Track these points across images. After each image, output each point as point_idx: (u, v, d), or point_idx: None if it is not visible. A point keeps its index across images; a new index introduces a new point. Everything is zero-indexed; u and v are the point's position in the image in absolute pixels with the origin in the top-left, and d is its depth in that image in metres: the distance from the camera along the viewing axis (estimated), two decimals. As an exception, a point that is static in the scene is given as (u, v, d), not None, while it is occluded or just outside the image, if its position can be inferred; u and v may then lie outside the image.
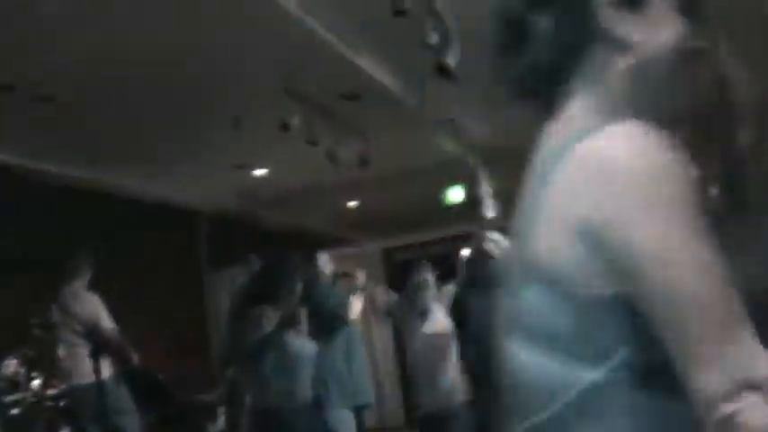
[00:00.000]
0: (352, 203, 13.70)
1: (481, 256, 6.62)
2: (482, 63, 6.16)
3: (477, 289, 6.44)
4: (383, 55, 7.38)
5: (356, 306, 7.86)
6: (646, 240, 1.27)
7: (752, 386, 1.22)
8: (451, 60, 6.19)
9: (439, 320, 7.41)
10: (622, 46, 1.47)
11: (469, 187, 12.28)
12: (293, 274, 6.34)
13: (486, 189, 13.19)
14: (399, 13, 5.33)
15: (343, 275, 8.23)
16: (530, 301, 1.42)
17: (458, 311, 7.18)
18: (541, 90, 1.57)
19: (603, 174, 1.32)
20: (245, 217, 12.40)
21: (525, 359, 1.43)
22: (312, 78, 7.36)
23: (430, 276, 7.53)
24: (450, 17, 5.99)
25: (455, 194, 12.09)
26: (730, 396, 1.22)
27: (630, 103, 1.46)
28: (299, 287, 6.32)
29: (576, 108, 1.51)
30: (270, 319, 6.07)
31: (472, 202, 11.98)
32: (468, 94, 8.64)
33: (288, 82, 7.35)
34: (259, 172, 10.92)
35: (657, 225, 1.27)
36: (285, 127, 7.59)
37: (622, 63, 1.48)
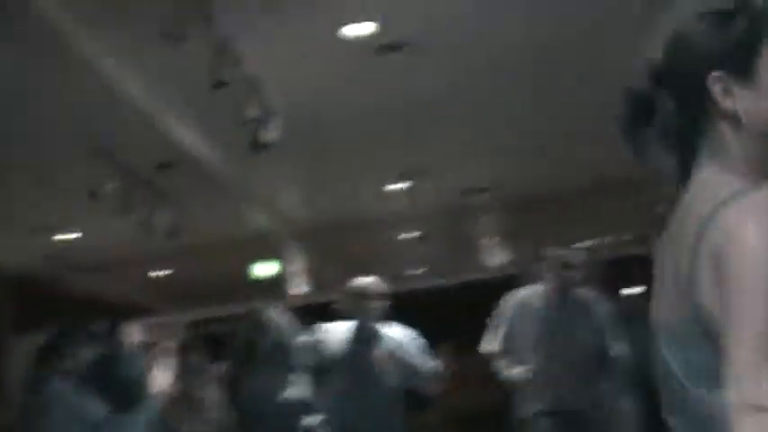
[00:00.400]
0: (162, 272, 13.56)
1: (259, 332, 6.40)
2: (301, 140, 6.30)
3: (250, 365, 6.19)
4: (203, 126, 7.40)
5: (162, 377, 7.71)
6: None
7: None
8: (269, 136, 6.28)
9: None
10: (735, 118, 1.68)
11: (280, 262, 12.34)
12: (82, 342, 6.15)
13: (295, 265, 13.28)
14: (219, 84, 5.39)
15: (151, 345, 8.10)
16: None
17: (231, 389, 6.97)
18: (670, 158, 1.78)
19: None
20: (51, 281, 12.10)
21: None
22: (129, 146, 7.32)
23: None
24: (272, 93, 6.09)
25: (263, 269, 12.12)
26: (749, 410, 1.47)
27: (751, 170, 1.67)
28: (89, 355, 6.14)
29: (706, 173, 1.70)
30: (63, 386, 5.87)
31: (281, 277, 12.05)
32: (285, 170, 8.78)
33: (103, 148, 7.29)
34: (69, 236, 10.72)
35: None
36: (93, 194, 7.51)
37: (737, 133, 1.69)
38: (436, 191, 10.29)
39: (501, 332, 6.02)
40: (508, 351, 6.19)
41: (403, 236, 12.24)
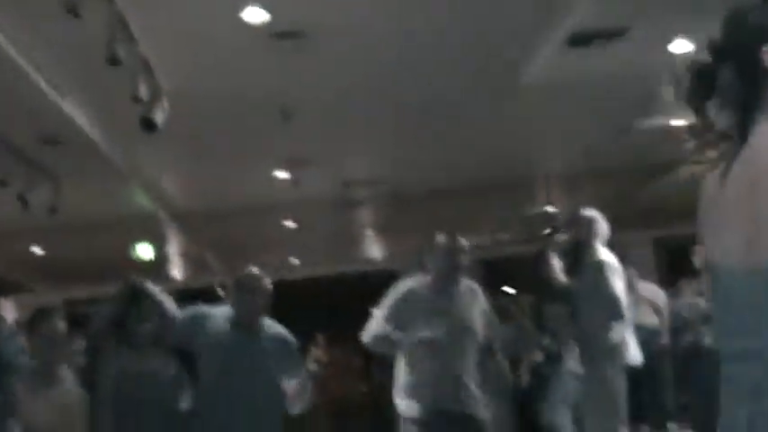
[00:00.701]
0: (38, 250, 13.33)
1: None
2: (189, 123, 6.31)
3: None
4: (92, 104, 7.34)
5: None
6: None
7: None
8: (159, 116, 6.30)
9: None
10: None
11: (158, 244, 12.27)
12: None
13: (177, 248, 13.22)
14: (113, 62, 5.38)
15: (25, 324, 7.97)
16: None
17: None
18: (733, 121, 2.13)
19: None
20: None
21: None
22: (15, 119, 7.22)
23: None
24: (165, 74, 6.11)
25: (145, 250, 12.03)
26: None
27: None
28: None
29: (765, 127, 2.03)
30: None
31: (162, 259, 11.98)
32: (172, 153, 8.76)
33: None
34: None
35: None
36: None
37: None
38: (320, 181, 10.38)
39: (384, 317, 5.89)
40: (389, 335, 5.93)
41: (286, 224, 12.29)
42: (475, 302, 5.92)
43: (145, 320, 5.23)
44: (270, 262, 16.27)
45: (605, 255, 7.27)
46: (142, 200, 10.17)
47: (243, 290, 5.31)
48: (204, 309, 5.51)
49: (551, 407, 7.59)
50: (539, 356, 7.68)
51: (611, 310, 7.03)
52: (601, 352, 7.11)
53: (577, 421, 8.18)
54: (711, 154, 8.76)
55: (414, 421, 5.75)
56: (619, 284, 7.13)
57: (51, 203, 8.90)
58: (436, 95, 7.89)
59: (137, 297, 5.29)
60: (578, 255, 7.54)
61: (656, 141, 9.98)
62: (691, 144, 8.71)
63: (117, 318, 5.34)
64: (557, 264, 7.80)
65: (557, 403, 7.66)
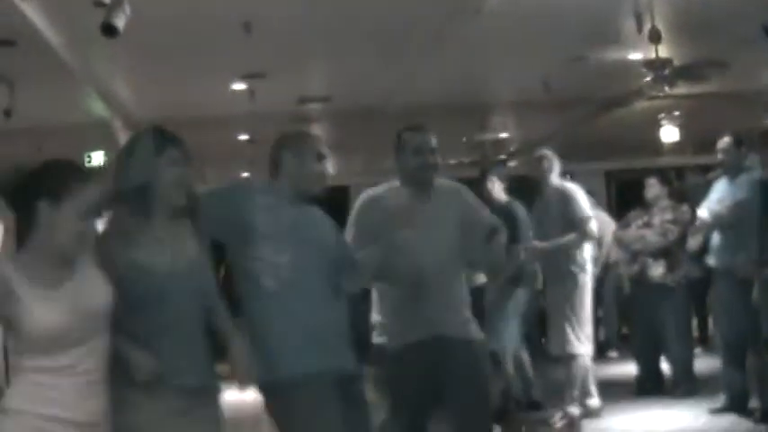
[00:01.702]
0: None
1: None
2: (147, 32, 6.27)
3: None
4: (51, 6, 7.25)
5: None
6: None
7: None
8: (119, 22, 6.27)
9: None
10: None
11: (112, 152, 12.21)
12: None
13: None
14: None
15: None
16: None
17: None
18: None
19: None
20: None
21: None
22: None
23: None
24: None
25: (99, 157, 11.99)
26: None
27: None
28: None
29: None
30: None
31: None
32: (128, 60, 8.71)
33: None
34: None
35: None
36: None
37: None
38: (277, 96, 10.38)
39: (350, 232, 5.03)
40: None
41: (240, 137, 12.29)
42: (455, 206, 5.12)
43: None
44: (223, 174, 16.33)
45: (565, 184, 7.65)
46: (97, 107, 10.11)
47: None
48: None
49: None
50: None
51: (581, 228, 7.37)
52: (567, 272, 7.45)
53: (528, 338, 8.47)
54: (667, 90, 8.90)
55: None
56: (586, 204, 7.49)
57: (6, 106, 8.83)
58: (394, 16, 7.90)
59: None
60: (536, 189, 7.79)
61: (612, 74, 10.08)
62: (647, 78, 8.82)
63: None
64: (497, 185, 8.00)
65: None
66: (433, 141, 5.10)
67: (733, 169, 7.34)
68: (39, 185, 3.15)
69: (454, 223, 4.98)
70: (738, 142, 7.34)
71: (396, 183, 5.12)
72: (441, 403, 4.87)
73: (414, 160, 5.01)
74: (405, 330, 4.86)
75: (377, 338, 5.06)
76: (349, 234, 4.98)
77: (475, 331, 4.94)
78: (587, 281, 7.57)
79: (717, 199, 7.42)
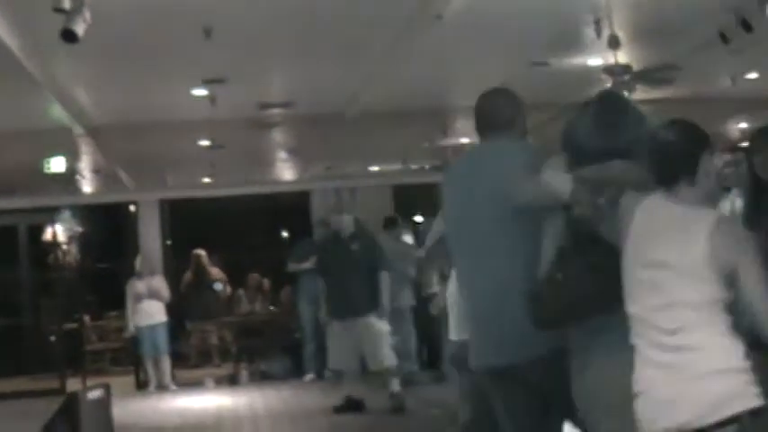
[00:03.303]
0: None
1: None
2: (107, 37, 6.24)
3: None
4: (10, 11, 7.20)
5: None
6: None
7: None
8: (79, 28, 6.24)
9: None
10: None
11: (71, 157, 12.16)
12: None
13: (86, 162, 13.11)
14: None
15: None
16: None
17: None
18: None
19: None
20: None
21: None
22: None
23: None
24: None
25: (58, 163, 11.91)
26: None
27: None
28: None
29: None
30: None
31: (74, 173, 11.85)
32: (88, 66, 8.67)
33: None
34: None
35: None
36: None
37: None
38: (237, 101, 10.37)
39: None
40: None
41: (200, 143, 12.25)
42: None
43: None
44: (183, 180, 16.29)
45: None
46: (57, 113, 10.03)
47: None
48: None
49: None
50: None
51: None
52: None
53: None
54: (627, 95, 8.97)
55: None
56: None
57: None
58: (355, 21, 7.92)
59: None
60: None
61: (573, 79, 10.17)
62: (607, 84, 8.90)
63: None
64: None
65: None
66: None
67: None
68: None
69: None
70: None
71: None
72: None
73: None
74: None
75: None
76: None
77: None
78: None
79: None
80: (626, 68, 8.60)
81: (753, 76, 11.07)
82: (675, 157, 3.48)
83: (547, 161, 4.07)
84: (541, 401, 4.32)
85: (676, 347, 3.29)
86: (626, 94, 8.94)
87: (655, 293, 3.36)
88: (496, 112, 4.68)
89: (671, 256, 3.34)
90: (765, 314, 3.22)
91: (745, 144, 7.05)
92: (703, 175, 3.46)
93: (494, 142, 4.60)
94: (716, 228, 3.30)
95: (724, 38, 8.08)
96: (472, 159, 4.86)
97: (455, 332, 6.13)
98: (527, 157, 4.34)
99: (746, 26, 7.75)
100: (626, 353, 3.46)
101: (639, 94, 9.56)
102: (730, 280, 3.26)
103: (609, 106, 4.04)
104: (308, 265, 13.37)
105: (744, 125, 14.21)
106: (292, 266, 14.36)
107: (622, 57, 8.66)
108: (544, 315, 3.84)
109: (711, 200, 3.69)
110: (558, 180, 3.93)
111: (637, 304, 3.42)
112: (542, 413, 4.35)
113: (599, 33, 8.06)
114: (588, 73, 9.75)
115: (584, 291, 3.72)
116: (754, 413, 3.17)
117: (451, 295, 6.08)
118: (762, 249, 3.41)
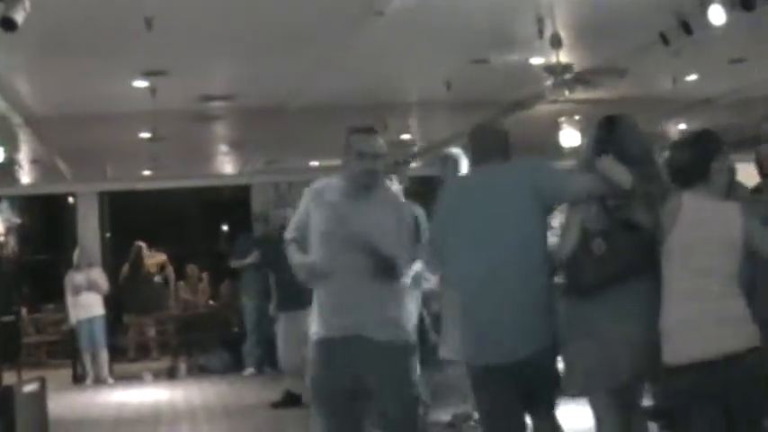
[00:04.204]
0: None
1: None
2: (47, 27, 6.17)
3: None
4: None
5: None
6: None
7: None
8: (19, 16, 6.16)
9: None
10: None
11: (8, 147, 12.00)
12: None
13: (24, 152, 12.94)
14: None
15: None
16: None
17: None
18: None
19: None
20: None
21: None
22: None
23: None
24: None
25: (-5, 154, 11.74)
26: None
27: None
28: None
29: None
30: None
31: (12, 164, 11.69)
32: (27, 55, 8.55)
33: None
34: None
35: None
36: None
37: None
38: (178, 93, 10.29)
39: (293, 223, 5.29)
40: (298, 241, 5.37)
41: (141, 135, 12.13)
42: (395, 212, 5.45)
43: None
44: (123, 172, 16.15)
45: None
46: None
47: None
48: None
49: None
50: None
51: None
52: None
53: None
54: (567, 94, 9.06)
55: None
56: None
57: None
58: (298, 15, 7.88)
59: None
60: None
61: (514, 77, 10.22)
62: (548, 83, 8.97)
63: None
64: (395, 186, 8.03)
65: None
66: (379, 145, 5.44)
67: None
68: None
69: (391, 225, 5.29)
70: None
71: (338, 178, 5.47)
72: None
73: (356, 164, 5.33)
74: None
75: None
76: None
77: None
78: None
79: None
80: (567, 68, 8.66)
81: (693, 77, 11.20)
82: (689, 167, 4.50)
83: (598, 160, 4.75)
84: (527, 395, 4.96)
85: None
86: (566, 93, 9.03)
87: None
88: (496, 143, 5.42)
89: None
90: None
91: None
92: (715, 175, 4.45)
93: (497, 164, 5.29)
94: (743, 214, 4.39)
95: (665, 39, 8.16)
96: (484, 176, 5.36)
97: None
98: (543, 163, 5.23)
99: (687, 28, 7.84)
100: (632, 319, 4.57)
101: (580, 93, 9.65)
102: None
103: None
104: (251, 260, 13.47)
105: (683, 126, 14.39)
106: (235, 263, 14.35)
107: (564, 56, 8.73)
108: (588, 280, 4.69)
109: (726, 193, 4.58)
110: (618, 171, 4.66)
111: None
112: (526, 405, 5.03)
113: (541, 32, 8.11)
114: (530, 71, 9.81)
115: (628, 260, 4.62)
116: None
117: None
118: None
